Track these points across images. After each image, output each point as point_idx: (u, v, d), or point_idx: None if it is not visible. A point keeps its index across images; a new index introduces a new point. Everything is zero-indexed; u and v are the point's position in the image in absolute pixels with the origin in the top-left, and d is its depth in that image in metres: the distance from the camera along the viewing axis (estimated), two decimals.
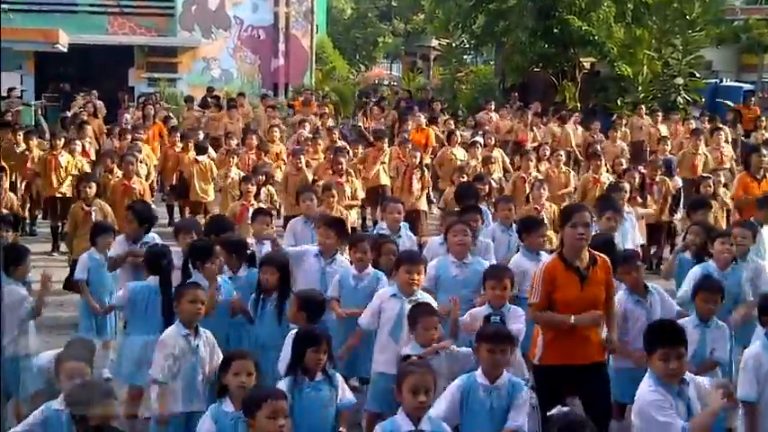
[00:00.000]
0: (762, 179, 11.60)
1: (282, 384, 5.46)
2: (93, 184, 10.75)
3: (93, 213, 10.30)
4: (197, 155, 14.27)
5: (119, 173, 12.27)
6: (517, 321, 6.47)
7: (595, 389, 6.11)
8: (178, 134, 15.82)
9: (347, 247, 7.95)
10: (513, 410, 5.28)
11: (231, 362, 5.37)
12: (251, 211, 9.86)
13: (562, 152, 14.78)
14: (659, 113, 20.04)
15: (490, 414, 5.22)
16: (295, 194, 10.26)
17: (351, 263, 7.59)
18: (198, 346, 6.17)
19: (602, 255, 6.32)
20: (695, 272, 7.56)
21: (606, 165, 13.40)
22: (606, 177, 12.83)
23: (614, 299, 6.41)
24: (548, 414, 4.22)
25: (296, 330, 6.02)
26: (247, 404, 4.79)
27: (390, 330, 6.65)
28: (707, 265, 7.66)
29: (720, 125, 18.05)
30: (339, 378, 5.67)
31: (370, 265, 7.44)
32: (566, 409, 4.27)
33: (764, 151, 12.01)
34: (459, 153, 14.94)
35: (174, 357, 6.10)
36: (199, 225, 8.71)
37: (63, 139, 14.14)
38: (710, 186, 11.57)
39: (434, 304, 6.57)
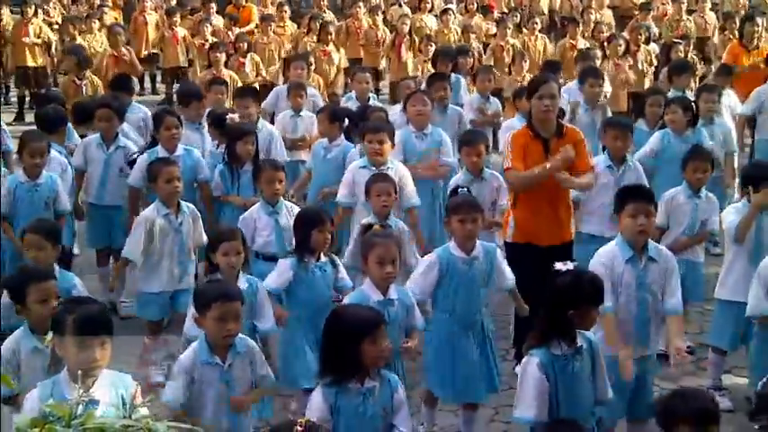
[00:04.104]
0: (753, 49, 11.28)
1: (287, 263, 5.41)
2: (78, 58, 10.44)
3: (84, 87, 10.08)
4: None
5: (79, 39, 12.00)
6: (497, 180, 6.62)
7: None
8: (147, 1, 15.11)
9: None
10: (497, 273, 5.29)
11: (220, 243, 5.20)
12: None
13: (537, 19, 14.30)
14: None
15: (476, 280, 5.18)
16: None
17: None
18: (181, 223, 6.07)
19: (571, 126, 6.37)
20: (656, 138, 7.49)
21: (586, 32, 13.08)
22: (583, 43, 12.52)
23: (588, 169, 6.18)
24: (554, 268, 4.06)
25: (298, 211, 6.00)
26: (197, 302, 4.35)
27: (365, 201, 6.48)
28: (664, 132, 7.53)
29: None
30: (338, 260, 5.67)
31: (342, 136, 7.50)
32: (571, 265, 4.09)
33: (758, 20, 11.59)
34: (430, 21, 14.38)
35: (152, 237, 5.98)
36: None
37: (33, 7, 13.80)
38: (680, 52, 11.51)
39: (407, 172, 6.73)
